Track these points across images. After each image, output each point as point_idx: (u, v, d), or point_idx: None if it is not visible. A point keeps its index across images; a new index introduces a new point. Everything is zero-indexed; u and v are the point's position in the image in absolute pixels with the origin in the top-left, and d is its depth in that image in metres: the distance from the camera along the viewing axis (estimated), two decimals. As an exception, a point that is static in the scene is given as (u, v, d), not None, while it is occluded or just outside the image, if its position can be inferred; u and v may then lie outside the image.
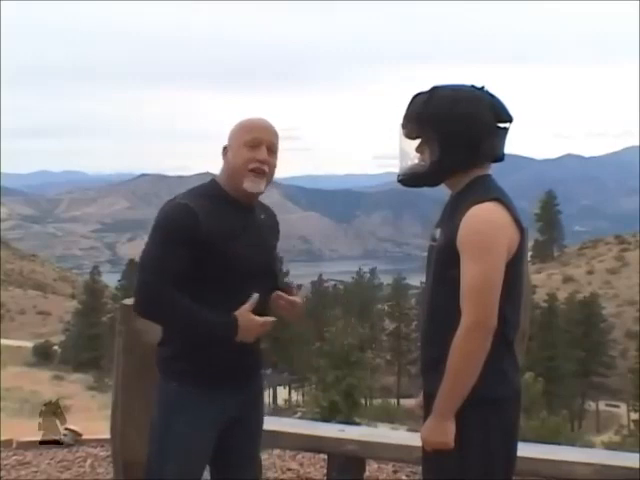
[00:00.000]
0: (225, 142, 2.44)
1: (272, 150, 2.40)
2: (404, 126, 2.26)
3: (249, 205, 2.44)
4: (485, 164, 2.24)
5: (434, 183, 2.28)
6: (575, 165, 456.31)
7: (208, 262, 2.30)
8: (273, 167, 2.42)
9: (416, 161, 2.27)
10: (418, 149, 2.25)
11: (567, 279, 76.76)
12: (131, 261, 59.72)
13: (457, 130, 2.15)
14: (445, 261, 2.15)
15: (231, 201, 2.39)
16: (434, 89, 2.22)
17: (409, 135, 2.26)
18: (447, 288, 2.13)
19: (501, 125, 2.22)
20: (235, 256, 2.33)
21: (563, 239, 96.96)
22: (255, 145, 2.36)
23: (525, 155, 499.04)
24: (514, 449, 2.23)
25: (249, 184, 2.35)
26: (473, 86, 2.24)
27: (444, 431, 2.10)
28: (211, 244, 2.28)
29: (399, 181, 2.32)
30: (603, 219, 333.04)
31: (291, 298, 2.52)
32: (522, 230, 2.16)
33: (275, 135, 2.43)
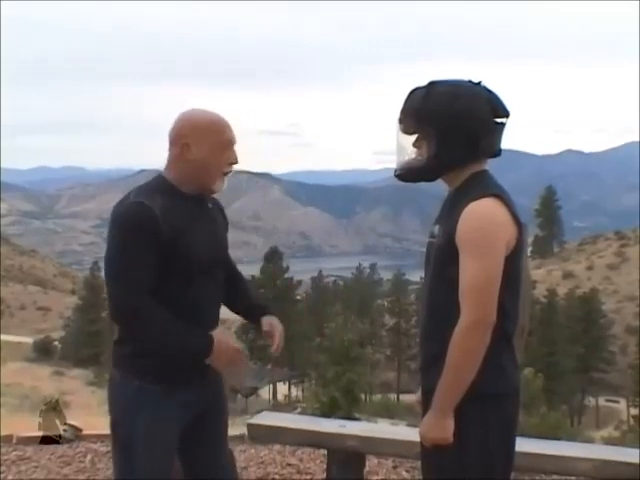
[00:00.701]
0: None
1: None
2: (401, 121, 2.25)
3: (201, 198, 2.40)
4: (483, 159, 2.23)
5: (431, 178, 2.27)
6: (575, 161, 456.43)
7: (169, 258, 2.26)
8: None
9: (413, 156, 2.26)
10: (415, 144, 2.24)
11: (567, 275, 76.80)
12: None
13: (455, 126, 2.14)
14: (444, 258, 2.14)
15: (184, 196, 2.34)
16: (432, 84, 2.21)
17: (406, 130, 2.25)
18: (446, 285, 2.12)
19: (498, 120, 2.21)
20: (194, 250, 2.31)
21: (563, 235, 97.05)
22: (229, 146, 2.35)
23: (525, 151, 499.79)
24: (513, 445, 2.23)
25: (219, 185, 2.36)
26: (470, 81, 2.23)
27: (443, 427, 2.10)
28: (171, 241, 2.25)
29: (396, 176, 2.30)
30: (603, 215, 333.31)
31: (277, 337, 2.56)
32: (520, 226, 2.15)
33: None
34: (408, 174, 2.28)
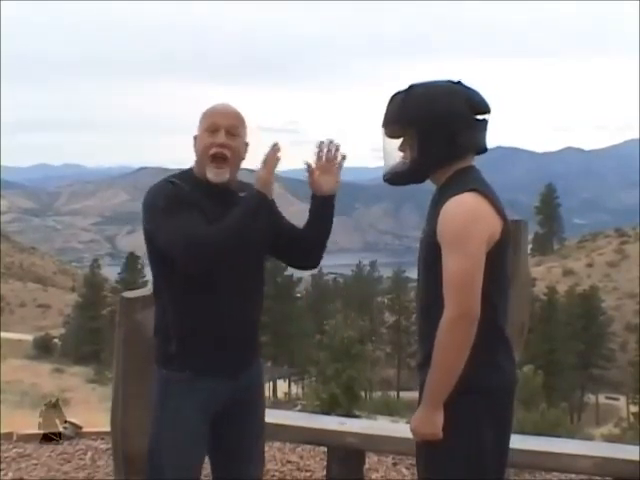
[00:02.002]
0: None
1: (233, 133, 2.38)
2: (385, 126, 2.29)
3: (223, 188, 2.41)
4: (466, 157, 2.24)
5: (418, 180, 2.29)
6: (575, 158, 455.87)
7: None
8: (236, 151, 2.39)
9: (398, 160, 2.28)
10: (400, 148, 2.27)
11: (567, 272, 76.83)
12: (131, 254, 59.68)
13: (434, 126, 2.17)
14: (431, 255, 2.16)
15: (206, 186, 2.38)
16: (410, 88, 2.25)
17: (390, 135, 2.29)
18: (436, 282, 2.13)
19: (479, 117, 2.22)
20: None
21: (563, 232, 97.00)
22: (214, 130, 2.37)
23: (525, 148, 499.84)
24: (506, 440, 2.24)
25: (211, 174, 2.36)
26: (450, 81, 2.25)
27: (432, 422, 2.10)
28: None
29: (385, 181, 2.34)
30: (603, 212, 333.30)
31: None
32: (505, 220, 2.16)
33: (235, 118, 2.42)
34: (395, 178, 2.32)
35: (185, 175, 2.42)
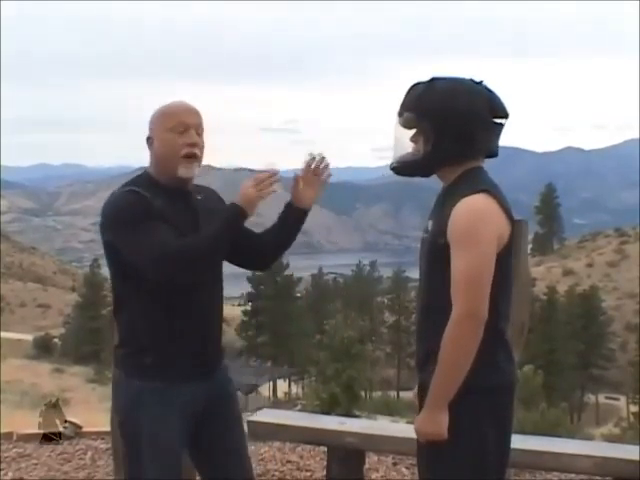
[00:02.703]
0: (150, 132, 2.39)
1: (199, 132, 2.36)
2: (401, 115, 2.26)
3: (183, 190, 2.38)
4: (478, 157, 2.23)
5: (426, 173, 2.28)
6: (576, 158, 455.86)
7: None
8: (203, 149, 2.38)
9: (410, 150, 2.26)
10: (413, 138, 2.25)
11: (567, 272, 76.89)
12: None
13: (452, 123, 2.15)
14: (436, 254, 2.15)
15: (164, 189, 2.33)
16: (432, 80, 2.22)
17: (405, 124, 2.26)
18: (439, 281, 2.13)
19: (497, 121, 2.22)
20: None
21: (563, 232, 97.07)
22: (183, 130, 2.32)
23: (526, 148, 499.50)
24: (507, 439, 2.24)
25: (183, 170, 2.31)
26: (472, 80, 2.23)
27: (437, 422, 2.10)
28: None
29: (391, 169, 2.31)
30: (603, 212, 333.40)
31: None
32: (513, 221, 2.16)
33: (200, 116, 2.39)
34: (403, 168, 2.29)
35: (142, 180, 2.36)
